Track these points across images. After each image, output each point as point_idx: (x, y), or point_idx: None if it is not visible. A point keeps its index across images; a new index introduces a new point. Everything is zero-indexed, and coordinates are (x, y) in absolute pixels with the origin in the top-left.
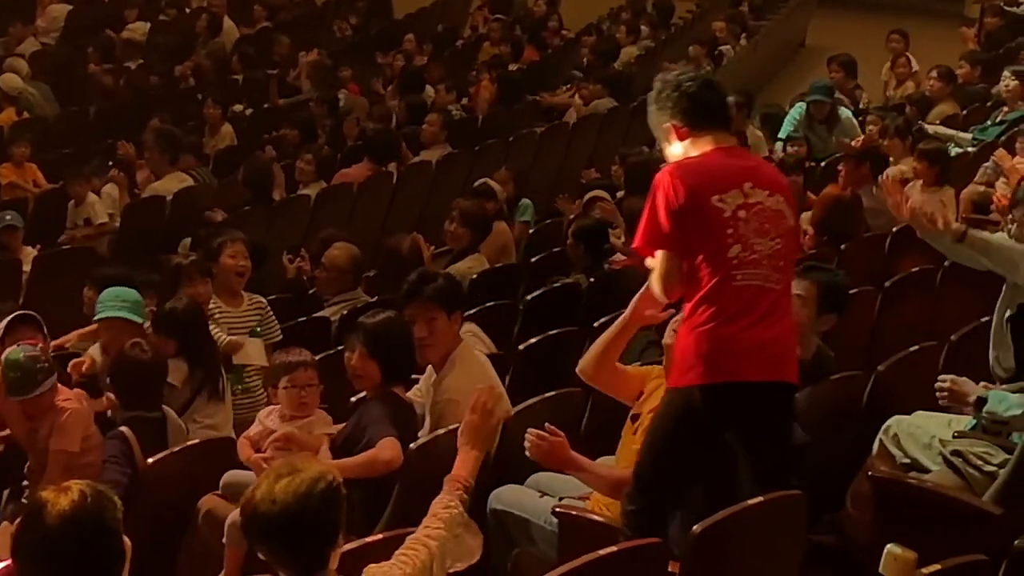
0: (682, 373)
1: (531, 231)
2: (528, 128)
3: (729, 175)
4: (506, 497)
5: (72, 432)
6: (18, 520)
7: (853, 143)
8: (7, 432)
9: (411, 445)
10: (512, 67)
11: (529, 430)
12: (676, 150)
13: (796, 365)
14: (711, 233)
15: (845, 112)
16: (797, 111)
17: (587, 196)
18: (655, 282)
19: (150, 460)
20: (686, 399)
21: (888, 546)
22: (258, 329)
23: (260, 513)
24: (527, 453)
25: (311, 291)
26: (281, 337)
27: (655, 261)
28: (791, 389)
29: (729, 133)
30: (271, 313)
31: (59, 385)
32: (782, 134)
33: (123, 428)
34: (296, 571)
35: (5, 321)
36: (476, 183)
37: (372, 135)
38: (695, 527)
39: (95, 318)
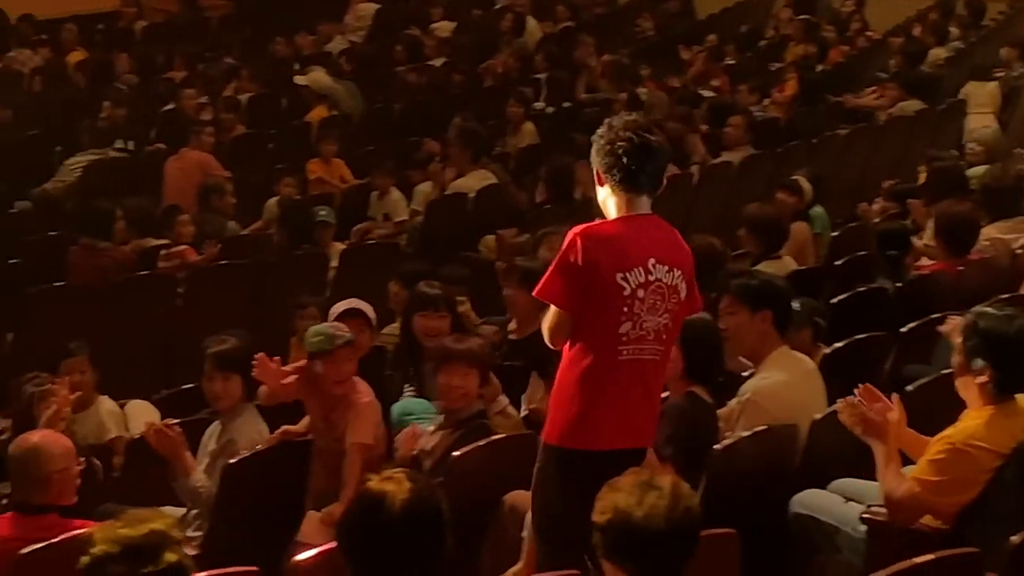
0: (563, 434)
1: (834, 234)
2: (832, 130)
3: (637, 251)
4: (809, 502)
5: (367, 424)
6: (349, 510)
7: None
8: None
9: (715, 447)
10: (817, 68)
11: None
12: (600, 194)
13: (652, 430)
14: (607, 309)
15: None
16: None
17: None
18: (544, 329)
19: (455, 454)
20: (564, 459)
21: None
22: None
23: (651, 530)
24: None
25: None
26: None
27: (548, 311)
28: (643, 453)
29: (649, 195)
30: None
31: (356, 379)
32: None
33: None
34: None
35: (337, 312)
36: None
37: None
38: (1013, 538)
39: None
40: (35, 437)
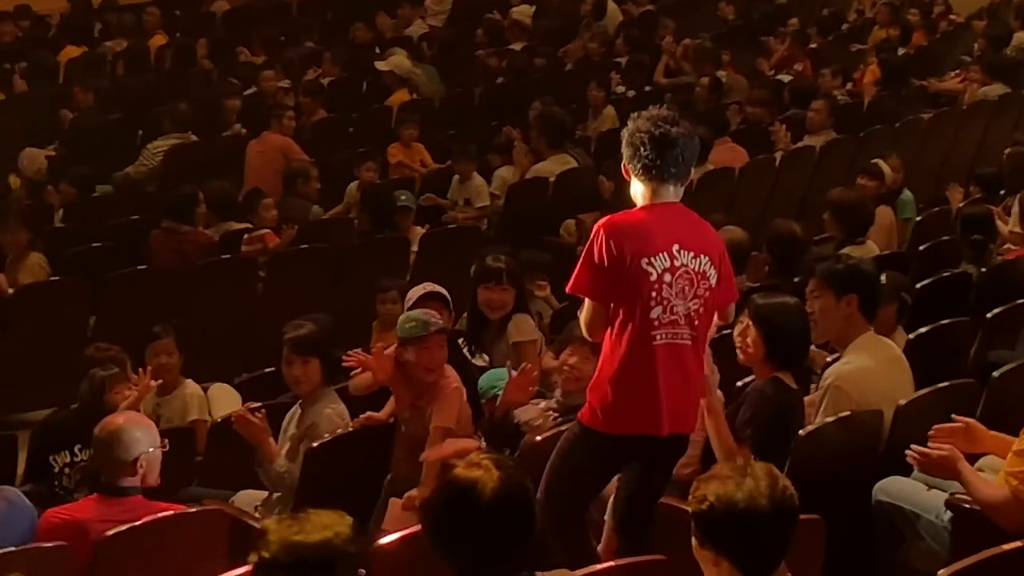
0: (596, 416)
1: (918, 219)
2: (915, 114)
3: (660, 237)
4: (892, 489)
5: (450, 409)
6: (437, 497)
7: None
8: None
9: (799, 432)
10: (900, 51)
11: (912, 447)
12: (631, 187)
13: (695, 413)
14: (636, 295)
15: None
16: None
17: None
18: (581, 324)
19: (538, 438)
20: (594, 441)
21: None
22: None
23: (754, 510)
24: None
25: None
26: None
27: (583, 305)
28: (685, 437)
29: (674, 185)
30: None
31: (447, 367)
32: None
33: None
34: (756, 572)
35: (416, 296)
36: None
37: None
38: None
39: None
40: (120, 419)
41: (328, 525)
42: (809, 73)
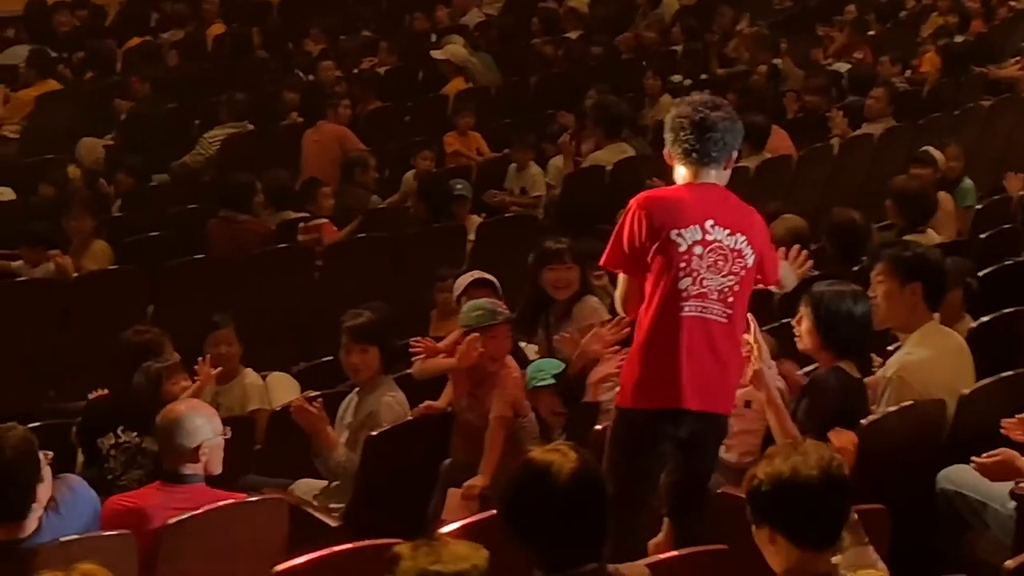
0: (626, 394)
1: (978, 207)
2: (975, 102)
3: (692, 211)
4: (956, 477)
5: (510, 396)
6: (512, 478)
7: None
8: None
9: (862, 421)
10: (958, 38)
11: (972, 459)
12: (675, 173)
13: (730, 395)
14: (665, 265)
15: None
16: None
17: None
18: (616, 299)
19: (597, 427)
20: (630, 419)
21: None
22: None
23: (802, 482)
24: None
25: None
26: None
27: (619, 281)
28: (721, 418)
29: (715, 168)
30: None
31: (509, 358)
32: None
33: None
34: (811, 545)
35: (465, 283)
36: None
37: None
38: None
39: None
40: (182, 407)
41: (465, 557)
42: (869, 60)
